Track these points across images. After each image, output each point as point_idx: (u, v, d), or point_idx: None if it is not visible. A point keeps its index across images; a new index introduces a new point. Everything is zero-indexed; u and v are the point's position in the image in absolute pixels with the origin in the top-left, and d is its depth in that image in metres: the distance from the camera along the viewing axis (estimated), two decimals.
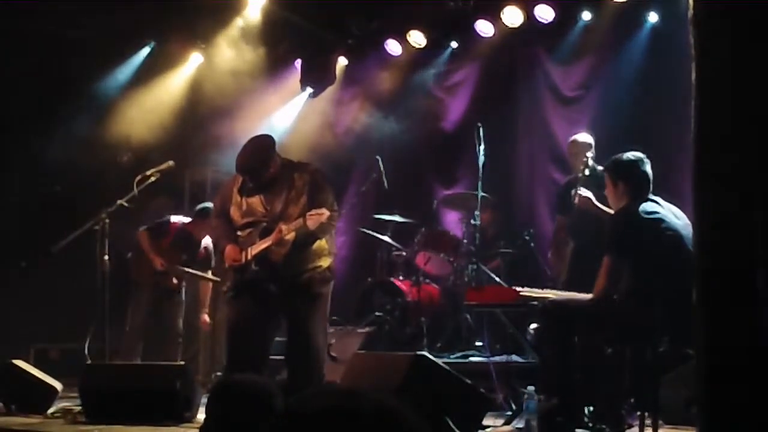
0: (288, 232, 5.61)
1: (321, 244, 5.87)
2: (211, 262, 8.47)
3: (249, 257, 5.78)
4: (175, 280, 8.31)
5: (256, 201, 5.88)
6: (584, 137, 7.36)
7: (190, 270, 8.28)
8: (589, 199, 6.44)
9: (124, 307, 8.19)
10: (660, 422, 4.95)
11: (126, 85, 9.30)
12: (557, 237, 7.50)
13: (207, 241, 8.42)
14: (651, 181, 5.32)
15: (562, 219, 7.45)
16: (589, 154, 6.97)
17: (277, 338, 6.21)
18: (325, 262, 5.90)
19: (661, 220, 5.16)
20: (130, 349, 7.95)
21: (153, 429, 5.54)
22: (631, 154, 5.39)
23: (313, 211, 5.53)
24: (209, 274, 8.50)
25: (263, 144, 5.87)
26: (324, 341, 6.10)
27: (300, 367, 5.92)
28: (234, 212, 5.94)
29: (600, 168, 6.46)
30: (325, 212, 5.54)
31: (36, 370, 6.81)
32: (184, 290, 8.49)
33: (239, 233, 5.91)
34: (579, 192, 6.56)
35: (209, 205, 7.91)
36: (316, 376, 5.87)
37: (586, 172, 6.52)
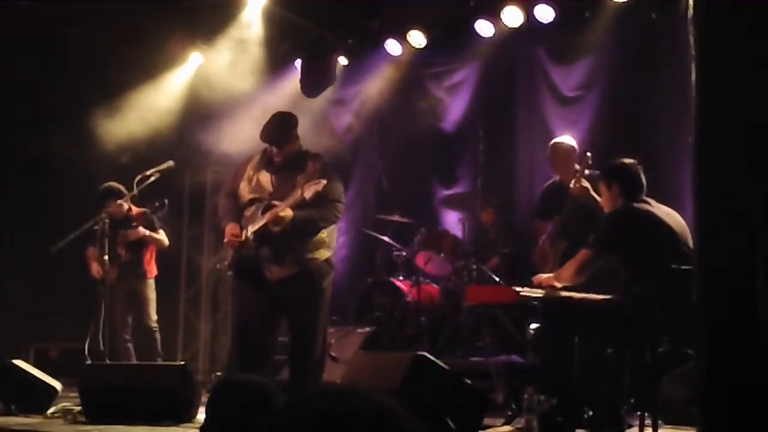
0: (283, 208, 5.62)
1: (321, 235, 5.87)
2: (153, 224, 8.14)
3: (249, 234, 5.79)
4: (125, 252, 8.00)
5: (266, 179, 5.92)
6: (568, 140, 7.38)
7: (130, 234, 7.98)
8: (587, 189, 6.43)
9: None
10: (660, 422, 4.95)
11: (126, 85, 9.28)
12: (539, 239, 7.47)
13: (136, 209, 8.16)
14: (644, 186, 5.38)
15: (543, 223, 7.45)
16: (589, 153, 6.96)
17: (280, 338, 6.24)
18: (322, 255, 5.89)
19: (654, 220, 5.20)
20: (121, 352, 7.88)
21: (153, 429, 5.54)
22: (625, 159, 5.48)
23: (310, 182, 5.57)
24: (161, 234, 8.19)
25: (287, 117, 6.03)
26: (324, 340, 6.10)
27: (300, 366, 5.94)
28: (243, 187, 5.99)
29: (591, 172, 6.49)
30: (322, 182, 5.57)
31: (36, 369, 6.82)
32: (152, 288, 8.19)
33: (245, 211, 5.93)
34: (581, 182, 6.53)
35: (109, 184, 7.85)
36: (317, 375, 5.88)
37: (586, 171, 6.51)
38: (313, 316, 5.86)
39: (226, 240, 5.94)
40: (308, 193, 5.54)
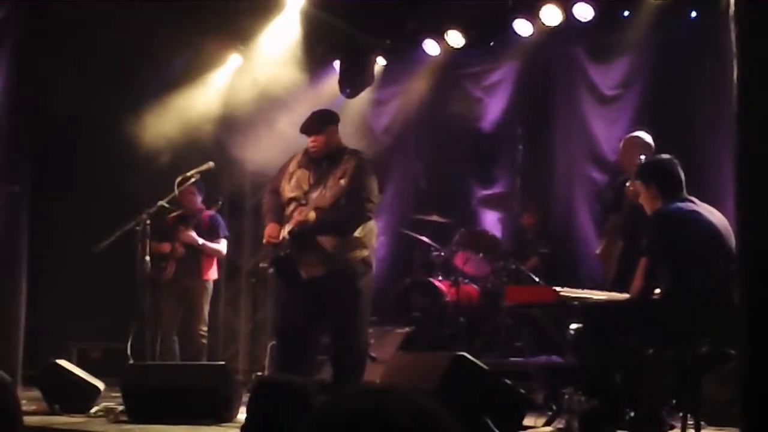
0: (306, 213, 5.73)
1: (356, 234, 5.88)
2: (218, 230, 8.14)
3: (284, 234, 5.84)
4: (181, 249, 7.97)
5: (304, 176, 6.01)
6: (641, 134, 7.25)
7: (192, 237, 7.94)
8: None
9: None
10: (702, 423, 4.91)
11: (166, 87, 9.35)
12: (609, 235, 7.40)
13: (207, 212, 8.19)
14: (682, 181, 5.29)
15: (616, 217, 7.35)
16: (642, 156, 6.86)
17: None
18: (358, 254, 5.89)
19: (698, 219, 5.12)
20: (166, 351, 7.92)
21: (194, 428, 5.59)
22: (659, 156, 5.40)
23: (334, 184, 5.67)
24: (220, 243, 8.14)
25: (325, 111, 6.22)
26: (364, 340, 6.12)
27: (339, 366, 5.97)
28: (284, 184, 6.08)
29: None
30: (341, 183, 5.64)
31: (79, 369, 6.89)
32: (208, 291, 8.18)
33: (286, 209, 5.98)
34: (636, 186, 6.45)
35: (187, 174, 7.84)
36: (356, 375, 5.90)
37: None
38: (350, 315, 5.87)
39: (264, 241, 6.01)
40: (330, 198, 5.65)
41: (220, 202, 8.54)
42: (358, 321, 5.91)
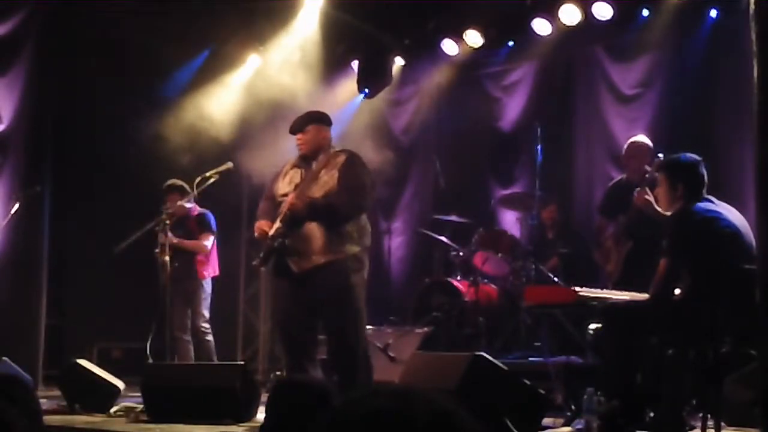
0: (297, 196, 5.78)
1: (348, 229, 5.86)
2: (204, 226, 8.16)
3: (277, 225, 5.84)
4: (166, 257, 8.03)
5: (296, 174, 6.07)
6: (645, 139, 7.29)
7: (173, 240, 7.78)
8: (651, 203, 6.35)
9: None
10: (722, 424, 4.88)
11: (185, 88, 9.39)
12: (601, 237, 7.44)
13: (196, 210, 8.24)
14: (706, 183, 5.28)
15: (605, 221, 7.41)
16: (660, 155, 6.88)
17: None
18: (349, 250, 5.86)
19: (718, 219, 5.11)
20: (179, 351, 7.94)
21: (213, 428, 5.61)
22: (690, 155, 5.36)
23: (326, 176, 5.76)
24: (207, 240, 8.14)
25: (313, 111, 6.23)
26: (362, 337, 6.01)
27: (339, 365, 5.93)
28: (279, 182, 6.13)
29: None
30: (333, 174, 5.74)
31: (99, 369, 6.92)
32: (205, 288, 8.16)
33: (279, 208, 6.01)
34: (645, 196, 6.46)
35: (172, 180, 7.91)
36: (364, 375, 5.83)
37: (656, 174, 6.43)
38: (348, 313, 5.80)
39: (256, 234, 6.03)
40: (320, 190, 5.76)
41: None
42: (355, 320, 5.83)
